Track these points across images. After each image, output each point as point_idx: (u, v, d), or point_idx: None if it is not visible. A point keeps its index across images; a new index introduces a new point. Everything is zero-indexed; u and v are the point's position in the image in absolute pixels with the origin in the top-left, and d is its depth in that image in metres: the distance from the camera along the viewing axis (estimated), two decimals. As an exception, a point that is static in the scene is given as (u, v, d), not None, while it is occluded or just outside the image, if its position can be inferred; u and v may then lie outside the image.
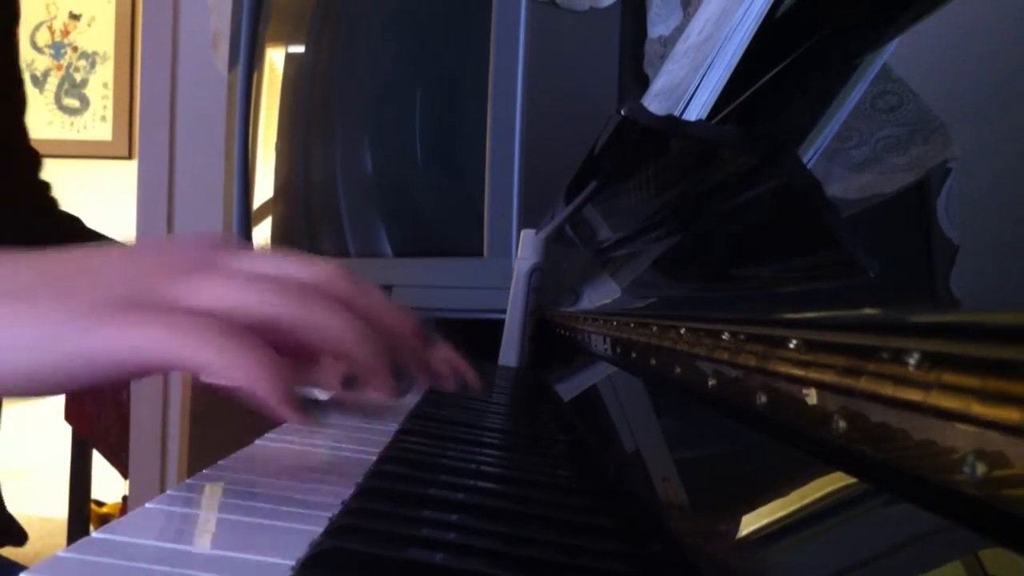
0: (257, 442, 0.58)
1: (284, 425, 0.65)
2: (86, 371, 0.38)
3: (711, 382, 0.37)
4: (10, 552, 0.94)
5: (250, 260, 0.43)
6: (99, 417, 2.52)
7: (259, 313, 0.39)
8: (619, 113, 0.61)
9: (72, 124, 3.54)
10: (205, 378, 0.39)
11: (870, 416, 0.24)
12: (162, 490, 0.45)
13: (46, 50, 3.56)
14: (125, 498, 2.70)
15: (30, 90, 3.81)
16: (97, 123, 3.54)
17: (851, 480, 0.26)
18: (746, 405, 0.32)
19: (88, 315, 0.38)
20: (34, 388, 0.39)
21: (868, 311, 0.28)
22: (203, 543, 0.38)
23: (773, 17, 0.54)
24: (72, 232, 1.06)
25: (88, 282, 0.40)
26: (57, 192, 1.12)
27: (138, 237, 2.43)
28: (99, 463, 2.64)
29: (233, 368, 0.38)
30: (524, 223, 1.25)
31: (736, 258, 0.51)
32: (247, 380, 0.38)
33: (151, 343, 0.38)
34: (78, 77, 3.55)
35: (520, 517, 0.42)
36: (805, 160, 0.43)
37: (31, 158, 1.10)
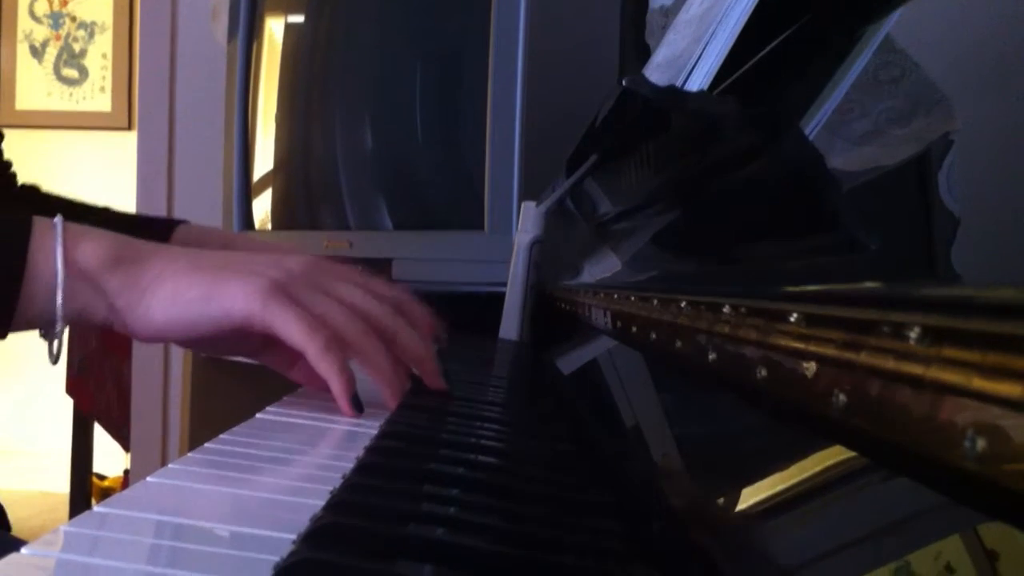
0: (258, 416, 0.58)
1: (284, 399, 0.65)
2: (241, 318, 0.60)
3: (711, 356, 0.37)
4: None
5: (345, 287, 0.65)
6: (100, 391, 2.52)
7: (347, 336, 0.61)
8: (620, 85, 0.61)
9: (71, 95, 3.53)
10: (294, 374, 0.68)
11: (870, 390, 0.24)
12: (164, 464, 0.45)
13: (44, 20, 3.54)
14: (127, 472, 2.71)
15: (28, 61, 3.78)
16: (96, 94, 3.53)
17: (851, 454, 0.26)
18: (746, 379, 0.32)
19: (257, 288, 0.60)
20: (197, 325, 0.61)
21: (869, 285, 0.28)
22: (204, 517, 0.38)
23: (775, -12, 0.53)
24: (34, 199, 1.05)
25: (252, 267, 0.62)
26: (36, 170, 1.11)
27: (139, 206, 2.43)
28: (101, 437, 2.65)
29: (328, 372, 0.59)
30: (525, 196, 1.24)
31: (737, 231, 0.51)
32: (333, 383, 0.59)
33: (291, 326, 0.59)
34: (77, 47, 3.53)
35: (519, 493, 0.42)
36: (807, 132, 0.43)
37: None
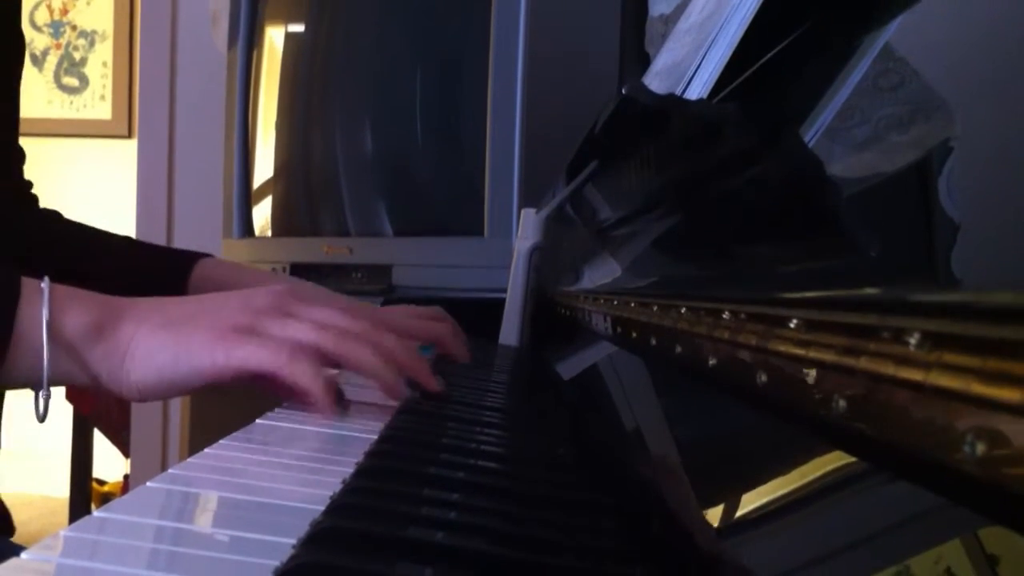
0: (258, 421, 0.58)
1: (285, 404, 0.65)
2: (211, 372, 0.60)
3: (711, 361, 0.37)
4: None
5: (317, 310, 0.65)
6: (100, 396, 2.52)
7: (321, 347, 0.61)
8: (620, 92, 0.61)
9: (71, 103, 3.53)
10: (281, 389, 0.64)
11: (870, 395, 0.24)
12: (163, 469, 0.45)
13: (45, 29, 3.55)
14: (127, 477, 2.71)
15: (29, 69, 3.78)
16: (96, 102, 3.53)
17: (851, 459, 0.26)
18: (746, 384, 0.32)
19: (220, 338, 0.60)
20: (175, 386, 0.62)
21: (869, 290, 0.28)
22: (204, 522, 0.38)
23: (775, -5, 0.53)
24: (54, 228, 1.06)
25: (218, 315, 0.62)
26: (37, 189, 1.12)
27: (139, 219, 2.43)
28: (100, 442, 2.65)
29: (300, 379, 0.59)
30: (525, 202, 1.24)
31: (737, 237, 0.51)
32: (307, 388, 0.59)
33: (254, 357, 0.59)
34: (77, 56, 3.54)
35: (520, 496, 0.42)
36: (807, 139, 0.43)
37: (19, 156, 1.11)
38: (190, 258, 0.99)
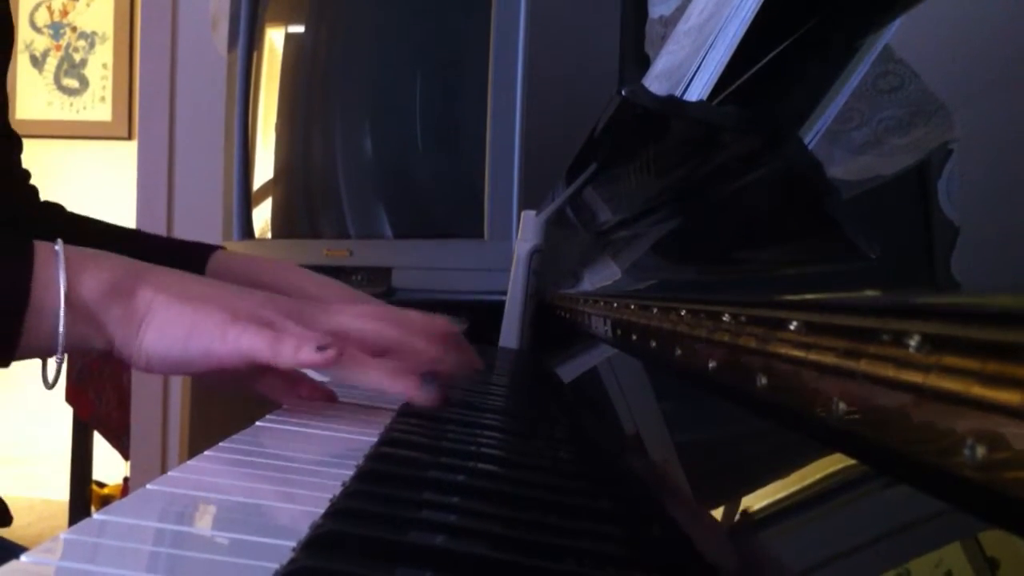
0: (258, 423, 0.58)
1: (284, 407, 0.65)
2: (220, 355, 0.59)
3: (711, 364, 0.37)
4: (10, 533, 0.94)
5: (340, 316, 0.66)
6: (100, 399, 2.52)
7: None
8: (620, 94, 0.61)
9: (71, 105, 3.53)
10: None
11: (870, 398, 0.24)
12: (163, 471, 0.45)
13: (45, 30, 3.55)
14: (126, 480, 2.71)
15: (29, 70, 3.76)
16: (96, 103, 3.53)
17: (851, 462, 0.26)
18: (746, 387, 0.32)
19: (233, 322, 0.60)
20: (182, 363, 0.61)
21: (868, 293, 0.28)
22: (204, 524, 0.38)
23: (775, -2, 0.53)
24: (56, 220, 1.04)
25: (239, 302, 0.62)
26: (36, 180, 1.10)
27: (139, 219, 2.43)
28: (100, 445, 2.64)
29: (302, 362, 0.59)
30: (525, 205, 1.24)
31: (737, 240, 0.51)
32: (306, 365, 0.59)
33: (258, 344, 0.59)
34: (77, 57, 3.54)
35: (520, 500, 0.42)
36: (806, 141, 0.43)
37: (13, 142, 1.08)
38: (204, 250, 0.96)
